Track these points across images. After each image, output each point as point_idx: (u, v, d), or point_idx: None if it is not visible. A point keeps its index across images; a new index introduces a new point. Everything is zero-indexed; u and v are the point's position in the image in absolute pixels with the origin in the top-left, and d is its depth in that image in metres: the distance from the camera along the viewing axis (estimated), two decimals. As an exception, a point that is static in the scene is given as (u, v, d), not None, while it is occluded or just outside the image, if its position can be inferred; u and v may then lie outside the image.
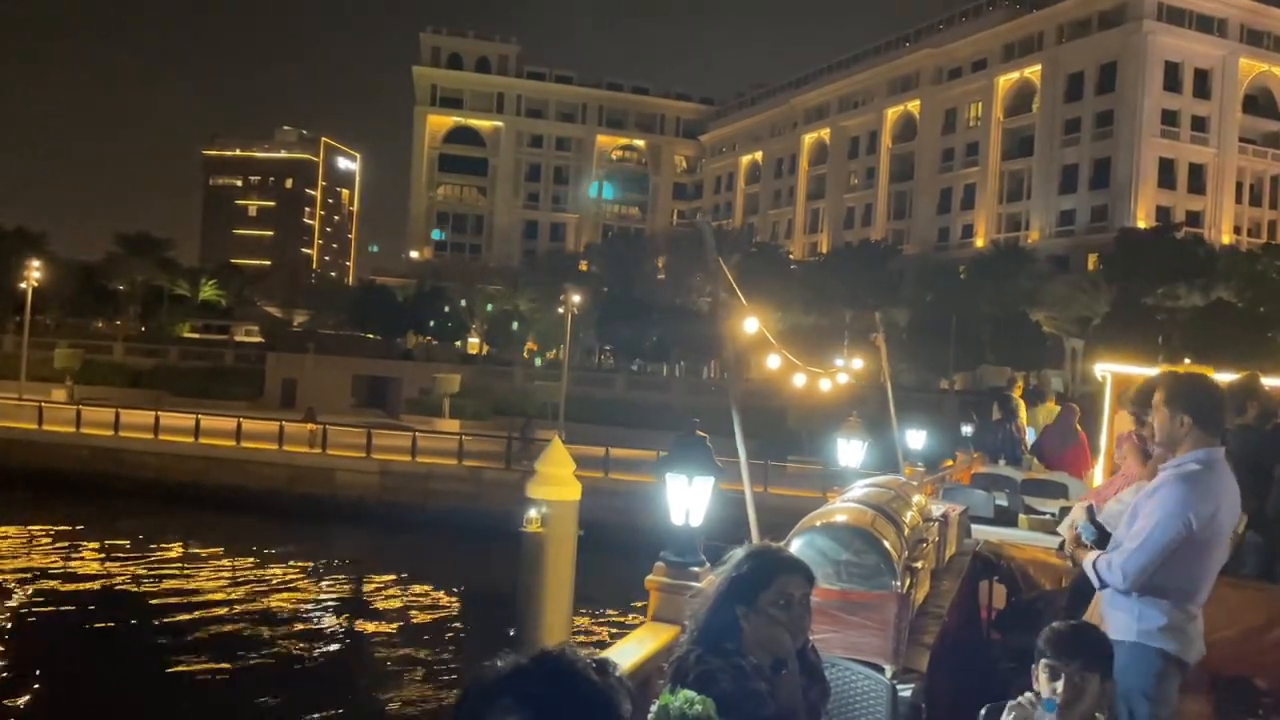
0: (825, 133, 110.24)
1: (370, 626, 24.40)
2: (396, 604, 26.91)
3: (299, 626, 23.82)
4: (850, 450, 12.21)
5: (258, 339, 69.29)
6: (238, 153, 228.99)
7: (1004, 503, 10.49)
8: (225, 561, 29.69)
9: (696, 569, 4.92)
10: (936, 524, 6.34)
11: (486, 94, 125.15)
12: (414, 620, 25.18)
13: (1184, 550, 3.81)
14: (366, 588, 28.39)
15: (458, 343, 74.56)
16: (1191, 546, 3.82)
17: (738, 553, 2.95)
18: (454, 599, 28.35)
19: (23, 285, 50.15)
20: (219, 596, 25.79)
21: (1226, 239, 70.95)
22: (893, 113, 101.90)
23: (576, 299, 50.30)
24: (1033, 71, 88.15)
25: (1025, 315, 57.75)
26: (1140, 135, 78.14)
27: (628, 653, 4.31)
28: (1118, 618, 3.95)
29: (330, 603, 26.81)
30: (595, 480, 34.49)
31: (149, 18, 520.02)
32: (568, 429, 47.65)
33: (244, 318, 77.68)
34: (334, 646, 22.83)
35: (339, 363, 61.69)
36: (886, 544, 4.66)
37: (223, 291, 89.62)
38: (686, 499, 5.00)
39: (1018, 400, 14.72)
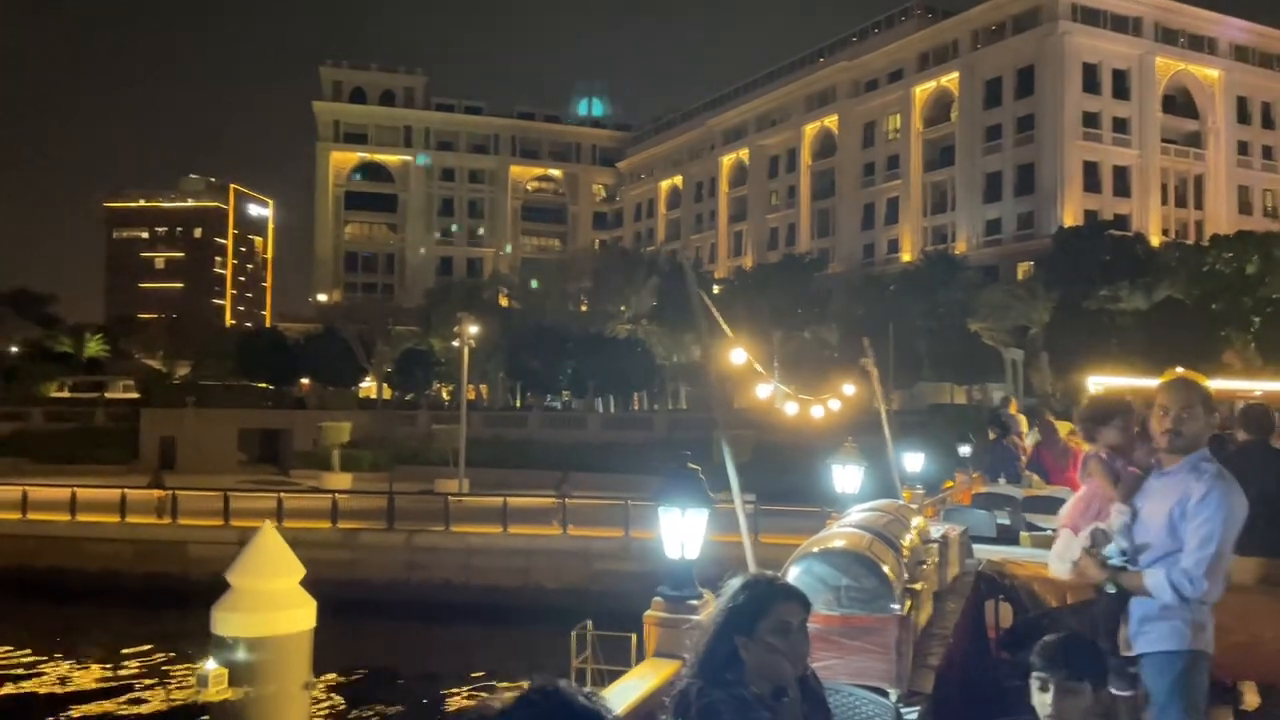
0: (744, 153, 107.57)
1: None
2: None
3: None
4: (846, 476, 11.94)
5: (134, 395, 62.93)
6: (141, 204, 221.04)
7: (1006, 521, 10.11)
8: (52, 662, 24.25)
9: (694, 602, 4.89)
10: (936, 545, 6.32)
11: (393, 128, 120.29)
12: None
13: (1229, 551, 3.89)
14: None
15: (356, 387, 69.16)
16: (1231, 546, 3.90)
17: (734, 583, 2.89)
18: (335, 686, 23.47)
19: None
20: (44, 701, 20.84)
21: (1156, 241, 68.86)
22: (811, 129, 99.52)
23: (474, 330, 45.42)
24: (949, 80, 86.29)
25: (963, 327, 54.39)
26: (1063, 138, 76.32)
27: (630, 689, 4.27)
28: (1171, 628, 3.94)
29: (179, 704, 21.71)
30: (492, 537, 29.86)
31: (35, 72, 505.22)
32: (474, 476, 42.63)
33: (119, 372, 71.12)
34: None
35: (223, 416, 55.93)
36: (885, 567, 4.62)
37: (109, 347, 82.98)
38: (681, 532, 5.00)
39: (1015, 416, 14.22)
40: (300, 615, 6.78)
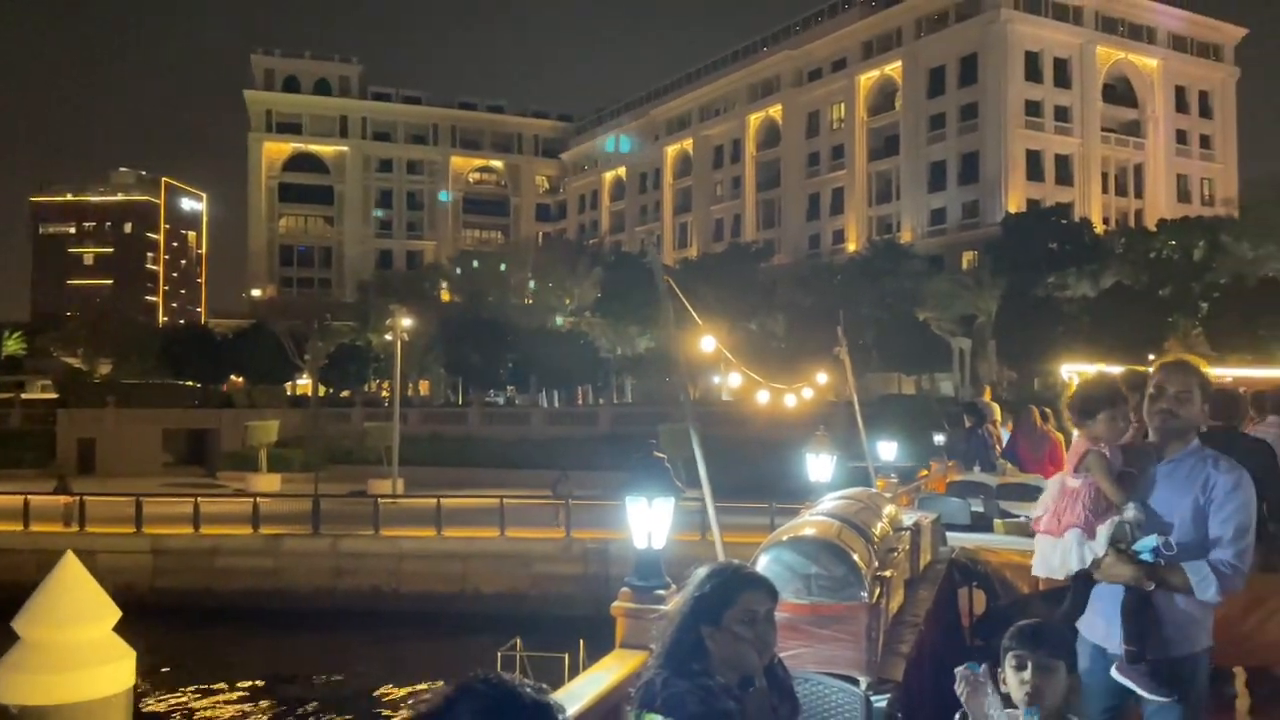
0: (688, 143, 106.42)
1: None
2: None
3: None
4: (819, 465, 12.23)
5: (53, 395, 59.94)
6: (69, 198, 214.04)
7: (980, 509, 10.04)
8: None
9: (661, 592, 4.81)
10: (908, 533, 6.30)
11: (328, 117, 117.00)
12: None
13: None
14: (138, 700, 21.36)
15: (293, 385, 66.74)
16: None
17: (700, 572, 2.86)
18: (249, 704, 21.88)
19: None
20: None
21: (1099, 229, 69.04)
22: (755, 119, 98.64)
23: (410, 323, 43.58)
24: (893, 68, 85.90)
25: (911, 317, 53.69)
26: (1006, 127, 76.26)
27: (596, 681, 4.18)
28: (1199, 626, 3.86)
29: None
30: (426, 541, 28.20)
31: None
32: (411, 476, 40.86)
33: (37, 371, 67.86)
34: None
35: (146, 416, 53.40)
36: (854, 555, 4.61)
37: (27, 346, 79.42)
38: (648, 521, 4.94)
39: (990, 404, 14.10)
40: (114, 673, 5.12)
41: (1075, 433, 4.38)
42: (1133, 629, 3.87)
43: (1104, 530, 3.94)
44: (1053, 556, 4.09)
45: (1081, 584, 4.07)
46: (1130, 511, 3.90)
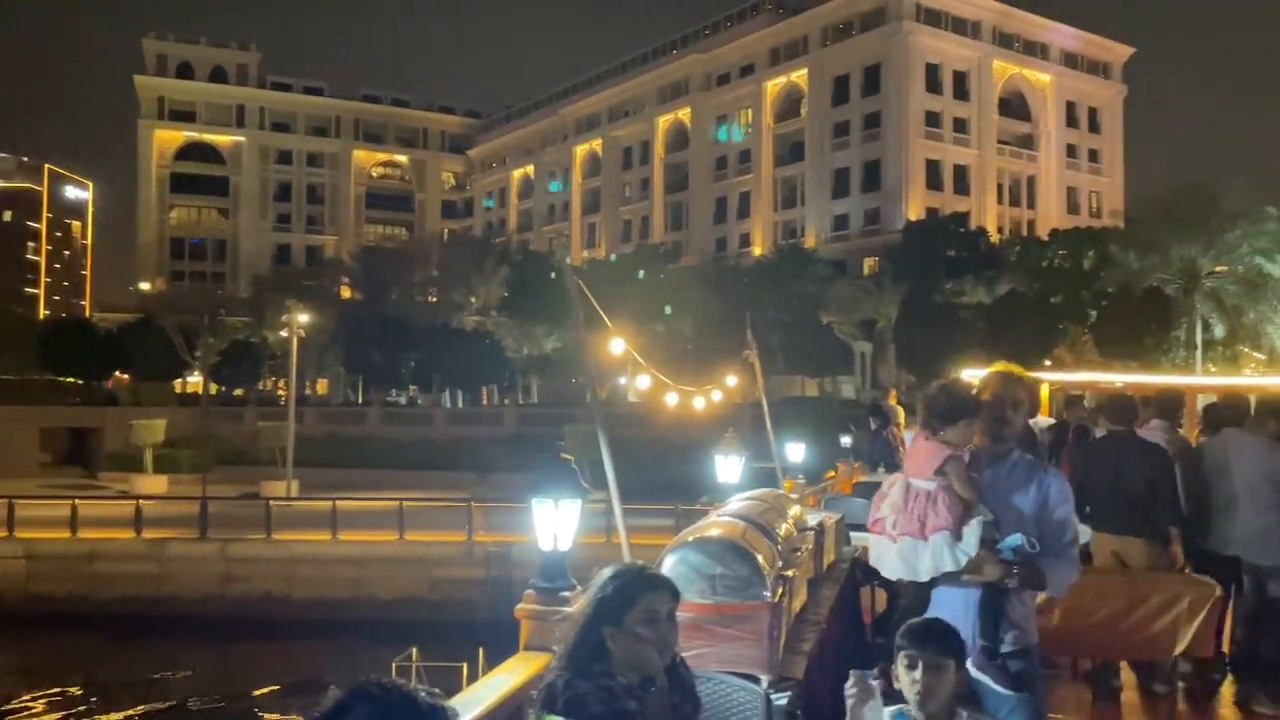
0: (597, 143, 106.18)
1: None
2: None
3: None
4: (728, 467, 12.34)
5: (-81, 391, 56.32)
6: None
7: None
8: None
9: (567, 594, 4.84)
10: (812, 533, 6.40)
11: (224, 106, 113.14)
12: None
13: None
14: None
15: (183, 382, 64.18)
16: None
17: (603, 573, 2.89)
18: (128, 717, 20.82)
19: None
20: None
21: (994, 238, 71.19)
22: (664, 121, 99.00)
23: (307, 319, 42.19)
24: (799, 75, 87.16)
25: (815, 320, 54.45)
26: (907, 136, 78.09)
27: (498, 684, 4.19)
28: (1031, 622, 4.06)
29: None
30: (320, 545, 27.22)
31: None
32: (308, 477, 39.55)
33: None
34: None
35: (22, 414, 50.58)
36: (759, 556, 4.70)
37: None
38: (554, 523, 5.00)
39: (894, 407, 14.36)
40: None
41: (914, 434, 4.39)
42: (989, 626, 3.97)
43: (971, 531, 3.97)
44: (917, 560, 4.07)
45: (919, 587, 4.17)
46: (988, 513, 3.98)
